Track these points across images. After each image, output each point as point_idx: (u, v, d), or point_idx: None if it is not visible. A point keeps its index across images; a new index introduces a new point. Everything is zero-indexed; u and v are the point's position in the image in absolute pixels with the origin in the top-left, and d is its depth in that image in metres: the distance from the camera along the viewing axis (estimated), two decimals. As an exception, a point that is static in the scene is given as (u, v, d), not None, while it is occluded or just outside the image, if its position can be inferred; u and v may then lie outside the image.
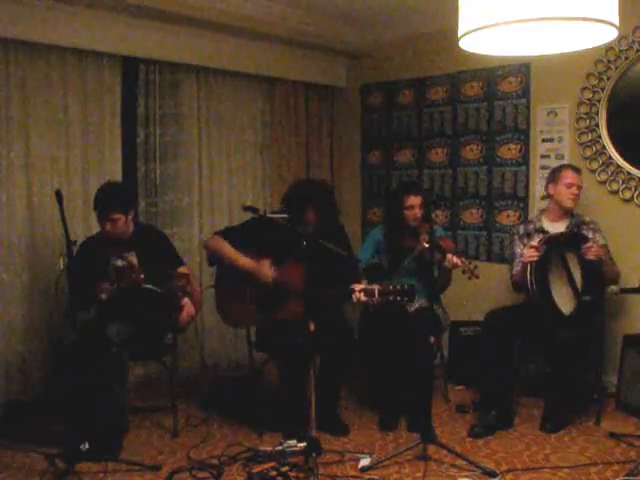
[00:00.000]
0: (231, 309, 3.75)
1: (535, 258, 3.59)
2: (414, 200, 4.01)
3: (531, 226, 4.00)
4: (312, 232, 3.29)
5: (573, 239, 3.71)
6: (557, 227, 3.89)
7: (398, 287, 3.37)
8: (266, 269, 3.63)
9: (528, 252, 3.64)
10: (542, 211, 4.12)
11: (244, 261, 3.66)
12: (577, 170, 3.94)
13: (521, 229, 4.04)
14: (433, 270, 3.49)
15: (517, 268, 3.90)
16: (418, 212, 4.01)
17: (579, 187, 3.88)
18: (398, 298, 3.35)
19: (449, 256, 3.72)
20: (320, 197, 3.72)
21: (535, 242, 3.70)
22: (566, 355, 3.61)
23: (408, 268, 3.99)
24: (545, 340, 3.76)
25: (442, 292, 4.08)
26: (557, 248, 3.64)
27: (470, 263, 3.72)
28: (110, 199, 3.58)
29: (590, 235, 3.75)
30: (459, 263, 3.71)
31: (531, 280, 3.58)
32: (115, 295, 3.45)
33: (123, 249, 3.60)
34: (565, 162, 4.44)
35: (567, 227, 3.87)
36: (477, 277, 3.69)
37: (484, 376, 3.81)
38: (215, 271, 3.87)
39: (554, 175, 3.94)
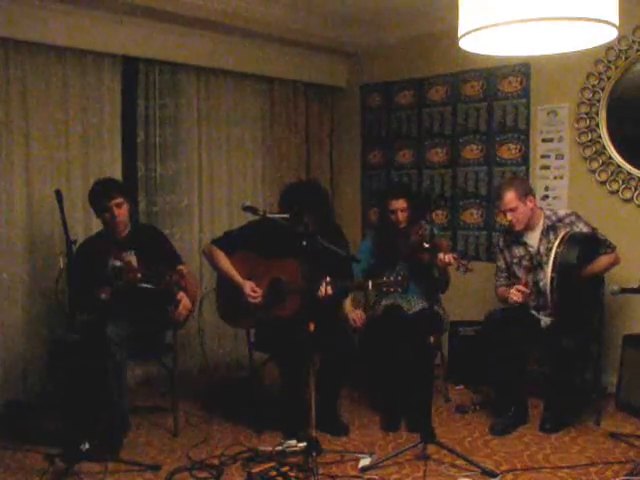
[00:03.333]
0: (231, 309, 3.76)
1: (520, 300, 3.65)
2: (396, 204, 4.01)
3: (508, 236, 3.90)
4: (311, 232, 3.30)
5: (593, 242, 3.66)
6: (534, 235, 3.79)
7: (391, 278, 3.39)
8: (248, 290, 3.64)
9: (515, 295, 3.66)
10: None
11: (233, 275, 3.69)
12: (501, 195, 3.73)
13: (501, 242, 3.96)
14: (432, 270, 3.50)
15: (499, 284, 3.93)
16: (401, 215, 4.01)
17: (510, 209, 3.69)
18: (392, 289, 3.38)
19: (440, 255, 3.69)
20: (313, 199, 3.72)
21: (521, 287, 3.66)
22: (568, 360, 3.61)
23: (403, 269, 3.99)
24: (547, 344, 3.75)
25: (444, 291, 4.09)
26: (579, 246, 3.54)
27: (462, 258, 3.69)
28: (109, 185, 3.64)
29: (568, 230, 3.65)
30: (451, 261, 3.68)
31: (552, 281, 3.46)
32: (115, 295, 3.45)
33: (122, 249, 3.60)
34: (565, 162, 4.45)
35: (542, 231, 3.76)
36: (471, 270, 3.63)
37: (495, 377, 3.81)
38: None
39: None
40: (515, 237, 3.85)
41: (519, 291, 3.66)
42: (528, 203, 3.72)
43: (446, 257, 3.69)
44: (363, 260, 4.11)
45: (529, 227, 3.78)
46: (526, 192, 3.73)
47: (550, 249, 3.54)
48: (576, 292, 3.53)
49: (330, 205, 3.98)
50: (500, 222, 3.81)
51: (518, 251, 3.85)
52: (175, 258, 3.83)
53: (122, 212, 3.60)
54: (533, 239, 3.79)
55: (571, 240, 3.53)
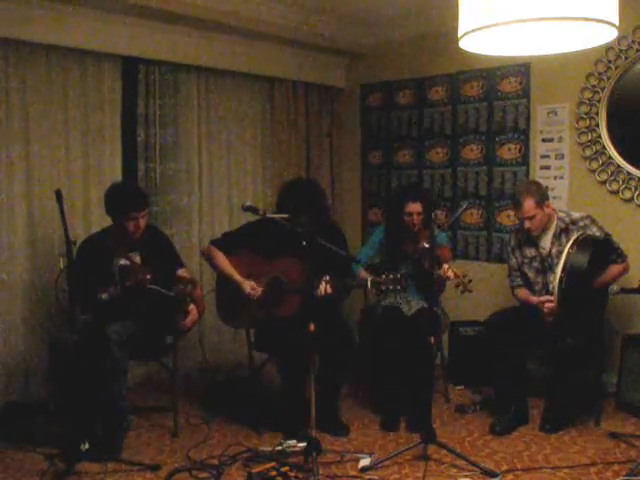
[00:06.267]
0: (231, 310, 3.76)
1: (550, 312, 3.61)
2: (413, 207, 3.98)
3: (520, 235, 3.90)
4: (310, 231, 3.30)
5: (605, 247, 3.63)
6: (546, 237, 3.78)
7: (391, 276, 3.38)
8: (247, 289, 3.64)
9: (548, 308, 3.61)
10: None
11: (233, 274, 3.70)
12: (520, 203, 3.69)
13: (512, 240, 3.96)
14: (432, 271, 3.49)
15: (516, 284, 3.92)
16: (416, 218, 3.98)
17: (528, 218, 3.68)
18: (390, 287, 3.38)
19: (444, 267, 3.68)
20: (310, 198, 3.71)
21: (550, 298, 3.61)
22: (571, 359, 3.61)
23: (407, 271, 3.99)
24: (549, 345, 3.75)
25: (441, 292, 4.08)
26: (591, 250, 3.49)
27: (465, 277, 3.65)
28: (140, 197, 3.63)
29: (582, 232, 3.63)
30: (452, 276, 3.67)
31: (561, 281, 3.44)
32: (118, 295, 3.44)
33: (127, 249, 3.60)
34: (565, 163, 4.45)
35: (554, 234, 3.76)
36: (470, 291, 3.63)
37: (496, 377, 3.81)
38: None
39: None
40: (527, 237, 3.84)
41: (551, 303, 3.59)
42: (545, 209, 3.71)
43: (449, 271, 3.67)
44: (371, 247, 4.15)
45: (543, 229, 3.78)
46: (543, 198, 3.71)
47: (562, 252, 3.52)
48: (583, 295, 3.51)
49: (327, 204, 3.97)
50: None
51: (529, 252, 3.85)
52: (177, 262, 3.83)
53: (144, 222, 3.61)
54: (545, 241, 3.78)
55: (584, 243, 3.50)
